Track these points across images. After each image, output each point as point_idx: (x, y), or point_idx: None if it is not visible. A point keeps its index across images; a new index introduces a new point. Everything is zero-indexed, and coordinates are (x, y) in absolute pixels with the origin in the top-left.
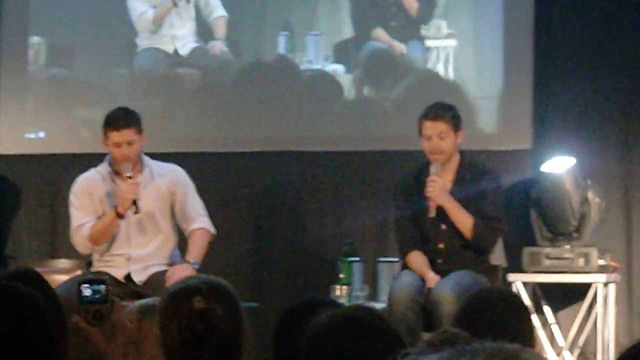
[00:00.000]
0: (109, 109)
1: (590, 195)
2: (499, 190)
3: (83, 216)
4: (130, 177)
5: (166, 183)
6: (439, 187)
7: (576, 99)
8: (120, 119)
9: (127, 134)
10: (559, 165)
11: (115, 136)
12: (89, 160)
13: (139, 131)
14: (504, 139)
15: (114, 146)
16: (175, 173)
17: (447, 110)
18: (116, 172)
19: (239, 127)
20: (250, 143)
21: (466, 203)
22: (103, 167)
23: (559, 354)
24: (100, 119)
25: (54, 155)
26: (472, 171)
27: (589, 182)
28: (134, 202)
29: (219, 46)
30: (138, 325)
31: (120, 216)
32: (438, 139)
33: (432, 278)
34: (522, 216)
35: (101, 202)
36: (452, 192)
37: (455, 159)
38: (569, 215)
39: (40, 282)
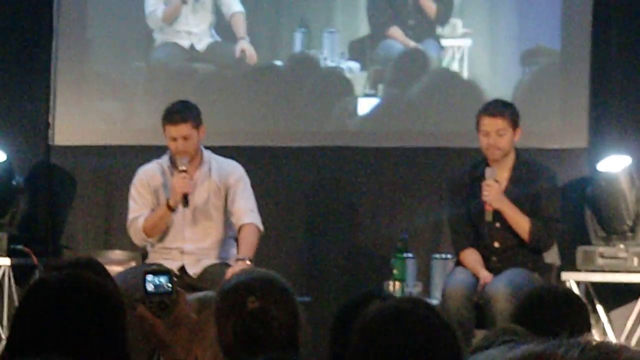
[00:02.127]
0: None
1: None
2: (555, 190)
3: (140, 208)
4: (184, 171)
5: (221, 178)
6: (495, 191)
7: (633, 98)
8: (177, 112)
9: (183, 129)
10: (615, 164)
11: (171, 130)
12: (145, 152)
13: (197, 125)
14: (560, 137)
15: (170, 140)
16: (232, 169)
17: (506, 107)
18: (175, 166)
19: (254, 121)
20: (265, 137)
21: (522, 202)
22: (164, 160)
23: None
24: (117, 112)
25: (110, 146)
26: (528, 170)
27: None
28: (185, 196)
29: (242, 46)
30: (198, 317)
31: (171, 209)
32: (496, 136)
33: (485, 276)
34: (576, 215)
35: (158, 194)
36: (508, 191)
37: (511, 157)
38: (623, 215)
39: (102, 272)
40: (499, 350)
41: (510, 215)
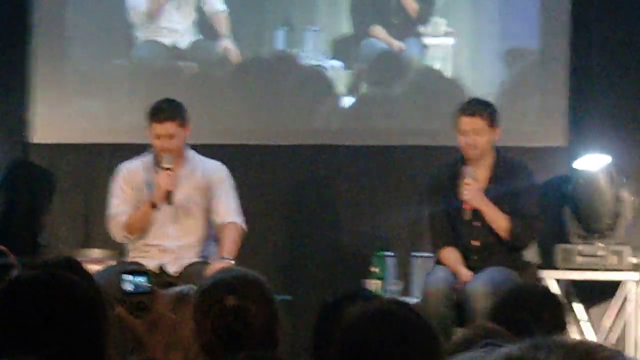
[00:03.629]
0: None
1: (624, 193)
2: (534, 188)
3: (121, 204)
4: (168, 169)
5: (205, 177)
6: (474, 190)
7: (612, 97)
8: (163, 111)
9: (168, 127)
10: (594, 163)
11: (157, 128)
12: (125, 151)
13: (182, 124)
14: (540, 136)
15: (155, 137)
16: (216, 168)
17: (484, 107)
18: (159, 164)
19: (237, 119)
20: (248, 135)
21: (501, 201)
22: (148, 158)
23: None
24: (97, 110)
25: (89, 144)
26: (507, 168)
27: (624, 180)
28: (168, 194)
29: (225, 44)
30: (175, 313)
31: (154, 206)
32: (474, 135)
33: (465, 274)
34: (555, 213)
35: (140, 191)
36: (488, 190)
37: (491, 156)
38: (602, 213)
39: (81, 271)
40: (477, 354)
41: (489, 214)
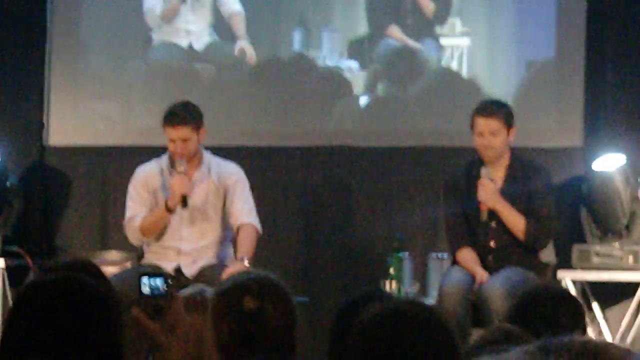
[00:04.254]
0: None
1: None
2: (550, 188)
3: (137, 207)
4: (182, 173)
5: (220, 179)
6: (490, 191)
7: (627, 97)
8: (177, 115)
9: (182, 131)
10: (610, 163)
11: (170, 132)
12: (142, 153)
13: (196, 128)
14: (556, 136)
15: (170, 141)
16: (232, 170)
17: (500, 107)
18: (174, 166)
19: (254, 121)
20: (264, 137)
21: (517, 201)
22: (163, 160)
23: None
24: (113, 112)
25: (106, 147)
26: (523, 169)
27: (639, 180)
28: (184, 197)
29: (241, 45)
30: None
31: (169, 210)
32: (490, 136)
33: (481, 275)
34: (572, 213)
35: (156, 194)
36: (503, 190)
37: (507, 157)
38: (618, 213)
39: (97, 274)
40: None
41: (506, 215)
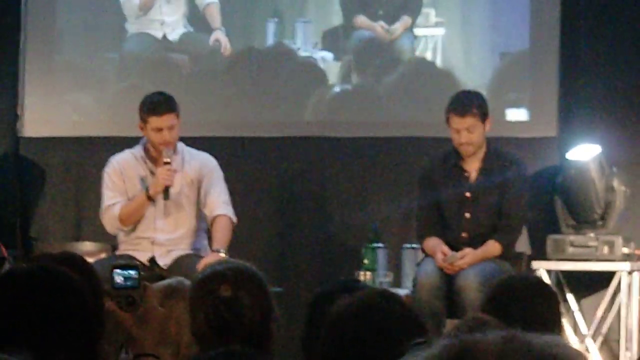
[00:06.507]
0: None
1: (615, 183)
2: (525, 181)
3: (114, 196)
4: (168, 163)
5: (195, 170)
6: (455, 263)
7: (602, 87)
8: (162, 103)
9: (168, 119)
10: (585, 153)
11: (156, 121)
12: (116, 144)
13: (178, 115)
14: (529, 127)
15: (154, 131)
16: (206, 161)
17: (473, 102)
18: (150, 157)
19: (229, 112)
20: (238, 127)
21: (491, 192)
22: (137, 150)
23: (582, 341)
24: (88, 103)
25: (81, 138)
26: (498, 160)
27: (614, 169)
28: (166, 189)
29: (216, 36)
30: (163, 306)
31: (150, 199)
32: (467, 133)
33: (444, 250)
34: (546, 204)
35: (133, 184)
36: (478, 182)
37: (482, 148)
38: (593, 203)
39: (85, 267)
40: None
41: (481, 258)
